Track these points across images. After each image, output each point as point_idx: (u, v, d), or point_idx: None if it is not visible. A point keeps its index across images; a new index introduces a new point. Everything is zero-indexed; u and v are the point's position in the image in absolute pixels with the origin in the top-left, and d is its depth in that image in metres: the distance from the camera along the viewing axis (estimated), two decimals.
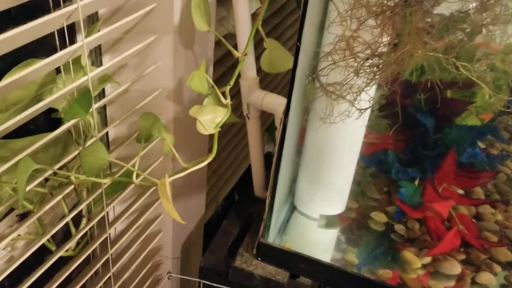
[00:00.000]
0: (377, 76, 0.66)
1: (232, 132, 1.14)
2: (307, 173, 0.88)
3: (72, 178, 0.62)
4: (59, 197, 0.61)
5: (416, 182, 0.90)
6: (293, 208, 0.93)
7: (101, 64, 0.75)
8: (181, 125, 0.81)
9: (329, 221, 0.92)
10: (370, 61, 0.64)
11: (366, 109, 0.72)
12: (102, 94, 0.77)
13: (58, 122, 0.65)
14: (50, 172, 0.58)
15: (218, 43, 0.90)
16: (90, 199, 0.67)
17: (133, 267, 0.87)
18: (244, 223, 0.97)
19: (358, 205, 0.94)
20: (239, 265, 0.85)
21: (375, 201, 0.96)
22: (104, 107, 0.80)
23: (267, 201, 0.82)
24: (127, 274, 0.84)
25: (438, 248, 0.84)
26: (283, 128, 0.76)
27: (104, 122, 0.81)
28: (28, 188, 0.54)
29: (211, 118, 0.68)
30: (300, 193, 0.91)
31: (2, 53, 0.48)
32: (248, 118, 0.92)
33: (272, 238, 0.85)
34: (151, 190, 0.82)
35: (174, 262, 0.98)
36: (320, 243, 0.89)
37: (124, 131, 0.80)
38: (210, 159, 0.65)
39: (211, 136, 0.68)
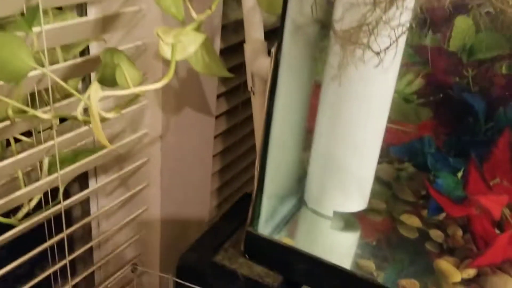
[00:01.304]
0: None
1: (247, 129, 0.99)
2: (317, 156, 0.70)
3: None
4: None
5: (460, 174, 0.69)
6: (301, 205, 0.75)
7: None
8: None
9: (346, 221, 0.72)
10: None
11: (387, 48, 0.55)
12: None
13: None
14: None
15: None
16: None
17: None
18: (240, 221, 0.79)
19: (385, 205, 0.74)
20: (219, 261, 0.67)
21: (406, 201, 0.75)
22: None
23: (256, 180, 0.65)
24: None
25: (486, 257, 0.61)
26: (271, 82, 0.60)
27: None
28: None
29: (181, 45, 0.54)
30: (309, 184, 0.72)
31: None
32: (253, 93, 0.77)
33: (265, 231, 0.67)
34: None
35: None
36: (331, 244, 0.69)
37: None
38: (164, 81, 0.51)
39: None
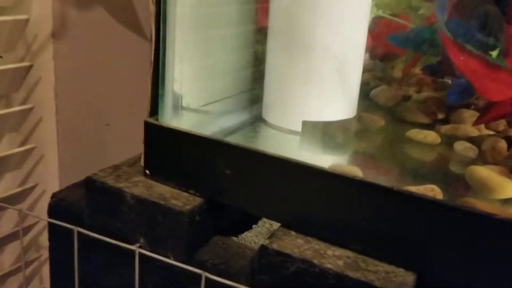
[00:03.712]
0: None
1: None
2: (278, 56, 0.45)
3: None
4: None
5: (495, 54, 0.44)
6: (254, 121, 0.48)
7: None
8: None
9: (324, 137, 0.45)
10: None
11: None
12: None
13: None
14: None
15: None
16: None
17: None
18: None
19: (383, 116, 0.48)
20: (100, 179, 0.39)
21: (414, 113, 0.49)
22: None
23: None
24: None
25: None
26: None
27: None
28: None
29: None
30: (270, 90, 0.47)
31: None
32: None
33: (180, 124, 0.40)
34: None
35: None
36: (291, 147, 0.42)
37: None
38: None
39: None
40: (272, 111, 0.46)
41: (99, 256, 0.42)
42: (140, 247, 0.38)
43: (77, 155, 0.70)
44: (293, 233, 0.35)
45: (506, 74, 0.36)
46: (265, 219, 0.45)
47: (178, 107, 0.39)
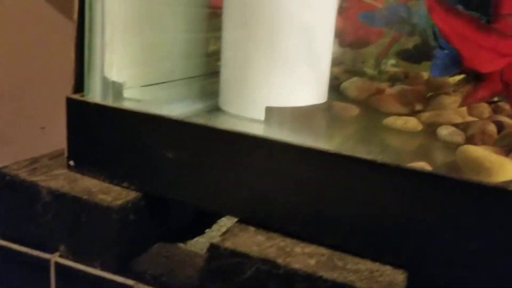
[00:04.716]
0: None
1: None
2: (234, 41, 0.39)
3: None
4: None
5: None
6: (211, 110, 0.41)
7: None
8: None
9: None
10: None
11: None
12: None
13: None
14: None
15: None
16: None
17: None
18: None
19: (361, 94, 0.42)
20: (11, 172, 0.31)
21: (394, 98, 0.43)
22: None
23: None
24: None
25: None
26: None
27: None
28: None
29: None
30: (228, 76, 0.40)
31: None
32: None
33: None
34: None
35: None
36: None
37: None
38: None
39: None
40: (229, 98, 0.39)
41: (15, 269, 0.33)
42: (60, 256, 0.30)
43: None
44: (252, 228, 0.28)
45: (501, 39, 0.31)
46: (220, 223, 0.37)
47: (109, 83, 0.32)
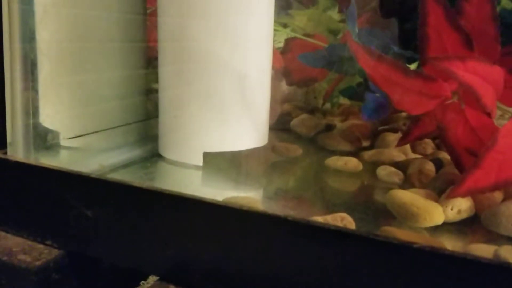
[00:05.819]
0: None
1: None
2: (168, 83, 0.39)
3: None
4: None
5: (413, 67, 0.39)
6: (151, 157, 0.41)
7: None
8: None
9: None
10: None
11: None
12: None
13: None
14: None
15: None
16: None
17: None
18: None
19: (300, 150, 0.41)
20: None
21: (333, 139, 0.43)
22: None
23: None
24: None
25: (483, 170, 0.28)
26: None
27: None
28: None
29: None
30: (165, 123, 0.40)
31: None
32: None
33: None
34: None
35: None
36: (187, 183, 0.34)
37: None
38: None
39: None
40: (168, 144, 0.39)
41: None
42: None
43: None
44: (172, 287, 0.27)
45: (427, 82, 0.31)
46: (150, 281, 0.36)
47: (37, 133, 0.31)
